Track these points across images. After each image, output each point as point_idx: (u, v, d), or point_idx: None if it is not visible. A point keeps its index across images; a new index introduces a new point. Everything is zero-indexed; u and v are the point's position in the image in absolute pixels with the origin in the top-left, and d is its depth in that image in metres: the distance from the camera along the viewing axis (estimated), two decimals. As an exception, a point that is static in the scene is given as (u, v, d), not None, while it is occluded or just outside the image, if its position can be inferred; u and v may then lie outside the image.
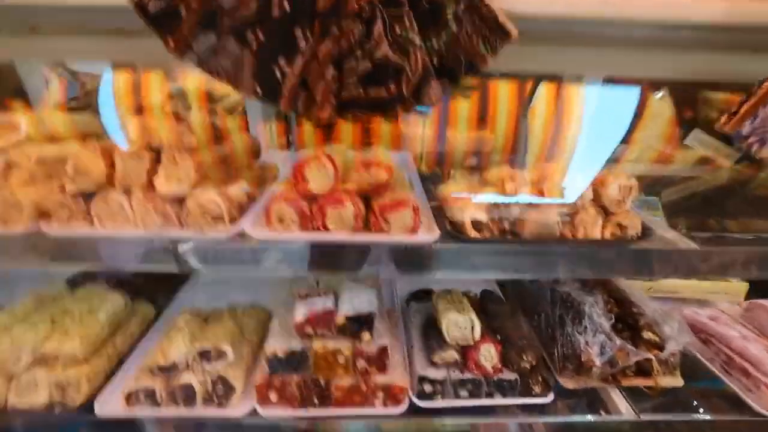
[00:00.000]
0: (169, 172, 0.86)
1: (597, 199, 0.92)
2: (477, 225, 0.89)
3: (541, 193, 0.90)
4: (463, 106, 1.68)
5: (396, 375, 1.15)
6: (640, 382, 1.23)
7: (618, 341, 1.19)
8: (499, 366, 1.15)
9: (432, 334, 1.22)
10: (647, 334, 1.22)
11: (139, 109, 1.04)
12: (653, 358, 1.18)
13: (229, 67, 0.74)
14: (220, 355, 1.14)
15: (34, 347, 1.14)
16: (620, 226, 0.92)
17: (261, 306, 1.43)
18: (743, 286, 1.55)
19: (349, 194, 0.89)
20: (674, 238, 1.00)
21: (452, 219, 0.92)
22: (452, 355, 1.15)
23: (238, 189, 0.93)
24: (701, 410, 1.20)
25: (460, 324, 1.14)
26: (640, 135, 1.48)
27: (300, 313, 1.10)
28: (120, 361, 1.26)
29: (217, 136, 1.02)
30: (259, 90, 0.77)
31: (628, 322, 1.28)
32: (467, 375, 1.16)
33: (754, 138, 0.79)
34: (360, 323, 1.10)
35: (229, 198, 0.90)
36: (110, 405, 1.12)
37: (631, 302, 1.32)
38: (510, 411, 1.18)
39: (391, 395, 1.13)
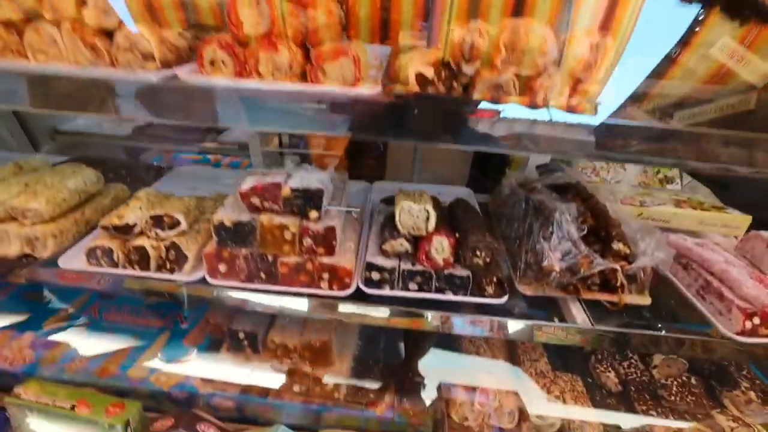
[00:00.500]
0: (97, 3, 0.82)
1: (563, 61, 0.81)
2: (422, 80, 0.80)
3: (498, 50, 0.79)
4: None
5: (344, 259, 1.13)
6: (603, 296, 1.17)
7: (584, 249, 1.12)
8: (451, 261, 1.11)
9: (387, 226, 1.18)
10: (617, 245, 1.13)
11: None
12: (618, 269, 1.10)
13: None
14: (174, 223, 1.16)
15: (3, 202, 1.19)
16: (587, 94, 0.81)
17: (225, 194, 1.43)
18: (744, 220, 1.40)
19: (284, 39, 0.81)
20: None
21: (398, 74, 0.84)
22: (402, 244, 1.12)
23: (174, 33, 0.88)
24: (656, 328, 1.13)
25: (413, 212, 1.10)
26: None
27: (247, 183, 1.08)
28: (87, 230, 1.31)
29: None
30: None
31: (601, 235, 1.19)
32: (418, 267, 1.12)
33: None
34: (306, 199, 1.07)
35: (162, 38, 0.84)
36: (73, 261, 1.17)
37: (609, 216, 1.22)
38: (461, 309, 1.15)
39: (338, 278, 1.12)
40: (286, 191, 1.05)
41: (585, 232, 1.19)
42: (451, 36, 0.77)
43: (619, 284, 1.13)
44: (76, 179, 1.33)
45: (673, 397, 1.29)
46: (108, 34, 0.84)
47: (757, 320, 1.06)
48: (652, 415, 1.29)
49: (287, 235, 1.09)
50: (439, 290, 1.14)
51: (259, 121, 0.84)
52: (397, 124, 0.82)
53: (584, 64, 0.81)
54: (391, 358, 1.49)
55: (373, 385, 1.39)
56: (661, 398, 1.32)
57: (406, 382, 1.45)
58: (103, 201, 1.40)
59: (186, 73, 0.84)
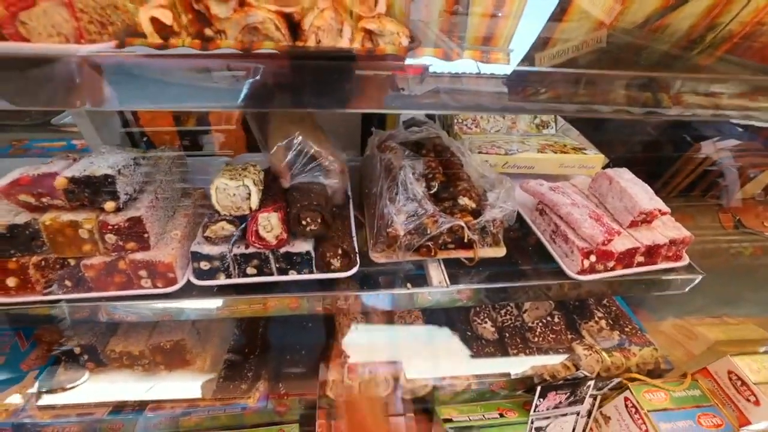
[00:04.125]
0: None
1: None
2: (161, 27, 0.64)
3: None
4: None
5: (164, 252, 0.98)
6: (459, 253, 1.13)
7: (429, 208, 1.06)
8: (285, 237, 1.00)
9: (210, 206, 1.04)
10: (463, 201, 1.09)
11: None
12: (464, 225, 1.06)
13: None
14: (-68, 236, 0.92)
15: None
16: (370, 34, 0.70)
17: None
18: (599, 159, 1.43)
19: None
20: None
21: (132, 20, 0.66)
22: (224, 227, 0.98)
23: None
24: (516, 279, 1.13)
25: (230, 191, 0.96)
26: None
27: (8, 177, 0.87)
28: None
29: None
30: None
31: (451, 191, 1.14)
32: (251, 249, 1.00)
33: None
34: (94, 189, 0.89)
35: None
36: None
37: (460, 170, 1.17)
38: (310, 287, 1.06)
39: (158, 274, 0.98)
40: (61, 182, 0.86)
41: (434, 189, 1.14)
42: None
43: (467, 240, 1.09)
44: None
45: (536, 338, 1.34)
46: None
47: (593, 258, 1.09)
48: (521, 357, 1.34)
49: (83, 234, 0.91)
50: (281, 271, 1.04)
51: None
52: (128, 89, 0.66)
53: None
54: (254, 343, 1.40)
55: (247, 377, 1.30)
56: (528, 340, 1.36)
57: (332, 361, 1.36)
58: None
59: None
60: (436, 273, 1.14)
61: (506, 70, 0.78)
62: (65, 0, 0.63)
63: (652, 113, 0.85)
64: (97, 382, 1.20)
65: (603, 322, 1.37)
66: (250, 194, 0.97)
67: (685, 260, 1.19)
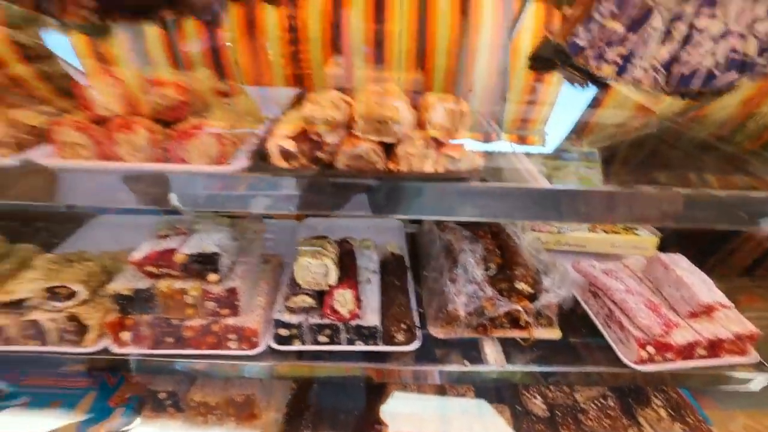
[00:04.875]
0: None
1: (422, 126, 0.82)
2: (286, 154, 0.80)
3: (354, 121, 0.80)
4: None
5: (252, 318, 1.12)
6: (513, 333, 1.19)
7: (488, 291, 1.14)
8: (357, 312, 1.11)
9: (291, 281, 1.17)
10: (520, 285, 1.16)
11: None
12: (521, 309, 1.13)
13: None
14: (71, 294, 1.12)
15: None
16: (451, 159, 0.82)
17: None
18: (652, 241, 1.45)
19: (141, 118, 0.80)
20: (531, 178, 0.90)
21: (265, 149, 0.83)
22: (305, 299, 1.11)
23: (35, 114, 0.85)
24: (571, 362, 1.16)
25: (312, 268, 1.09)
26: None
27: (140, 251, 1.05)
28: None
29: (29, 56, 0.92)
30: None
31: (507, 273, 1.22)
32: (325, 320, 1.12)
33: (591, 51, 0.66)
34: (204, 263, 1.05)
35: (17, 123, 0.82)
36: (-34, 340, 1.12)
37: (516, 253, 1.25)
38: (375, 358, 1.15)
39: (244, 338, 1.11)
40: (180, 257, 1.03)
41: (492, 272, 1.22)
42: (308, 109, 0.77)
43: (524, 323, 1.15)
44: (-26, 247, 1.27)
45: (590, 422, 1.33)
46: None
47: (651, 349, 1.10)
48: (574, 440, 1.32)
49: (188, 300, 1.07)
50: (349, 342, 1.14)
51: (121, 201, 0.82)
52: (264, 197, 0.82)
53: (443, 129, 0.82)
54: (327, 404, 1.48)
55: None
56: (581, 423, 1.35)
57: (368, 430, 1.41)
58: (6, 266, 1.34)
59: (39, 156, 0.82)
60: (491, 350, 1.19)
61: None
62: (216, 134, 0.81)
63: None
64: (176, 428, 1.32)
65: (662, 411, 1.33)
66: (327, 272, 1.10)
67: (753, 356, 1.16)
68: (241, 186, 0.80)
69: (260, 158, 0.83)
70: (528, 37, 1.63)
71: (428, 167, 0.82)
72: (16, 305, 1.10)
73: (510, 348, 1.20)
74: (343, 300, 1.10)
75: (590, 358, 1.19)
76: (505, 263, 1.23)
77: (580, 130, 1.60)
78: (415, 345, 1.15)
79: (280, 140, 0.79)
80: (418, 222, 1.71)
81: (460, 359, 1.18)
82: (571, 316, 1.32)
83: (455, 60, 1.72)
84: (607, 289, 1.22)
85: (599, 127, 1.68)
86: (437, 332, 1.19)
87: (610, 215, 0.90)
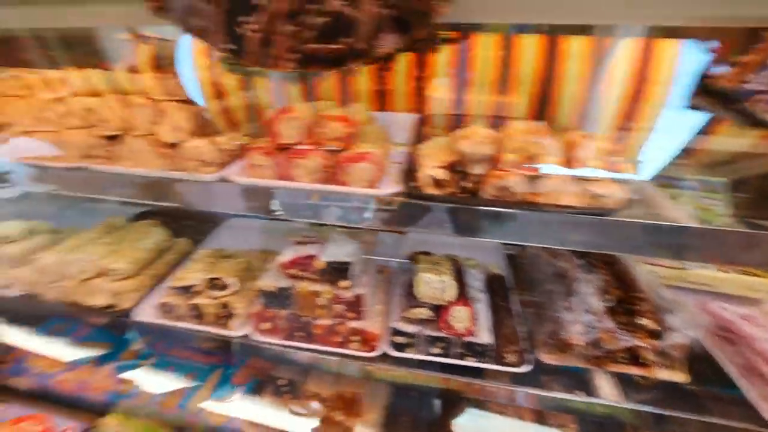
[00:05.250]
0: (168, 122, 1.01)
1: (569, 163, 0.86)
2: (438, 183, 0.89)
3: (506, 152, 0.86)
4: (485, 67, 1.59)
5: (372, 323, 1.23)
6: (633, 370, 1.15)
7: (608, 324, 1.12)
8: (472, 329, 1.16)
9: (411, 292, 1.27)
10: (644, 321, 1.12)
11: (149, 68, 1.19)
12: (646, 346, 1.09)
13: (203, 25, 0.83)
14: (226, 285, 1.33)
15: (96, 262, 1.44)
16: (596, 195, 0.85)
17: (276, 252, 1.59)
18: (801, 288, 1.30)
19: (314, 147, 0.95)
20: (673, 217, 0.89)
21: (416, 175, 0.94)
22: (423, 312, 1.19)
23: (229, 140, 1.05)
24: (694, 410, 1.09)
25: (432, 284, 1.17)
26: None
27: (286, 255, 1.22)
28: (158, 283, 1.53)
29: (218, 92, 1.14)
30: (230, 46, 0.85)
31: (627, 307, 1.18)
32: (439, 333, 1.19)
33: (761, 95, 0.64)
34: (338, 270, 1.19)
35: (219, 147, 1.02)
36: (144, 313, 1.39)
37: (637, 287, 1.21)
38: (482, 375, 1.19)
39: (365, 341, 1.22)
40: (320, 264, 1.18)
41: (610, 304, 1.19)
42: (464, 145, 0.86)
43: (646, 361, 1.11)
44: (151, 240, 1.57)
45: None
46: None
47: (805, 411, 0.99)
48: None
49: (320, 301, 1.22)
50: (460, 356, 1.20)
51: (294, 213, 0.98)
52: (415, 218, 0.92)
53: (593, 164, 0.85)
54: (425, 413, 1.55)
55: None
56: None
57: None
58: (171, 256, 1.63)
59: (234, 174, 1.01)
60: (604, 383, 1.17)
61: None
62: (376, 162, 0.93)
63: None
64: (288, 412, 1.49)
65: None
66: (445, 288, 1.17)
67: None
68: (392, 208, 0.91)
69: (409, 184, 0.94)
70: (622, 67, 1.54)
71: (567, 200, 0.86)
72: (186, 290, 1.34)
73: (622, 385, 1.16)
74: (459, 316, 1.16)
75: (717, 409, 1.11)
76: (625, 296, 1.20)
77: (691, 158, 1.49)
78: (526, 368, 1.17)
79: (432, 170, 0.89)
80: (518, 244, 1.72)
81: (565, 388, 1.18)
82: (694, 360, 1.23)
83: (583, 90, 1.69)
84: (745, 335, 1.13)
85: (719, 155, 1.54)
86: (547, 358, 1.20)
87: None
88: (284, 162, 0.96)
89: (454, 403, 1.60)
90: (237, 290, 1.34)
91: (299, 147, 0.96)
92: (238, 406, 1.58)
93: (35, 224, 1.66)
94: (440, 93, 1.74)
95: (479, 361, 1.18)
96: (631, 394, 1.14)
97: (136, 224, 1.74)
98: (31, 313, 1.83)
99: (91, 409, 1.66)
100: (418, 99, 1.70)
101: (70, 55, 1.93)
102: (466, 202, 0.86)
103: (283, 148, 0.97)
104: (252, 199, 0.98)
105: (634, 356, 1.14)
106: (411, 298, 1.24)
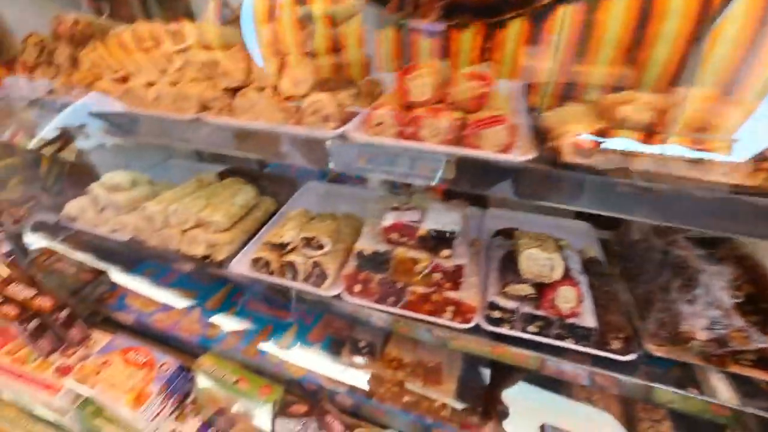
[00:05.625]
0: (291, 76, 1.00)
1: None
2: (582, 151, 0.82)
3: (663, 125, 0.77)
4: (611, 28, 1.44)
5: (468, 295, 1.21)
6: (758, 374, 1.05)
7: (739, 322, 1.03)
8: (578, 311, 1.11)
9: (510, 267, 1.22)
10: (783, 321, 1.01)
11: (270, 22, 1.17)
12: (784, 349, 0.99)
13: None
14: (320, 245, 1.35)
15: (195, 214, 1.51)
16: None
17: (356, 216, 1.60)
18: None
19: (445, 106, 0.90)
20: None
21: (553, 143, 0.87)
22: (526, 288, 1.15)
23: (347, 96, 1.03)
24: None
25: (539, 261, 1.12)
26: None
27: (388, 220, 1.21)
28: (248, 238, 1.59)
29: (336, 47, 1.11)
30: (372, -8, 0.81)
31: (761, 306, 1.07)
32: (540, 312, 1.15)
33: None
34: (440, 239, 1.16)
35: (339, 103, 1.00)
36: (240, 266, 1.45)
37: (772, 284, 1.09)
38: (580, 359, 1.15)
39: (460, 312, 1.21)
40: (423, 231, 1.16)
41: (740, 300, 1.09)
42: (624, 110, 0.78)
43: (779, 364, 1.01)
44: (242, 196, 1.63)
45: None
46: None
47: None
48: None
49: (418, 268, 1.21)
50: (558, 337, 1.15)
51: (413, 175, 0.95)
52: (547, 188, 0.86)
53: None
54: (475, 381, 1.54)
55: (475, 409, 1.46)
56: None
57: (490, 408, 1.48)
58: (258, 213, 1.68)
59: (353, 131, 0.99)
60: (719, 383, 1.08)
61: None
62: (510, 126, 0.87)
63: None
64: (365, 372, 1.53)
65: None
66: (553, 267, 1.12)
67: None
68: (526, 176, 0.86)
69: (545, 152, 0.87)
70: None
71: (743, 180, 0.76)
72: (281, 247, 1.38)
73: (737, 383, 1.07)
74: (566, 297, 1.11)
75: None
76: (758, 293, 1.09)
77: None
78: (632, 356, 1.11)
79: (576, 138, 0.81)
80: (614, 228, 1.61)
81: (673, 382, 1.11)
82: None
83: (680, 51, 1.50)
84: None
85: None
86: (656, 350, 1.12)
87: None
88: (411, 121, 0.92)
89: (510, 374, 1.58)
90: (329, 251, 1.36)
91: (430, 105, 0.91)
92: (315, 360, 1.65)
93: (136, 175, 1.77)
94: (543, 61, 1.61)
95: (581, 345, 1.13)
96: (749, 398, 1.06)
97: (223, 181, 1.80)
98: (132, 256, 2.00)
99: (182, 348, 1.80)
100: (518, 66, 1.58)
101: (163, 12, 1.98)
102: (626, 174, 0.79)
103: (411, 107, 0.93)
104: (373, 160, 0.96)
105: (762, 359, 1.04)
106: (510, 273, 1.19)
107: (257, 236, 1.58)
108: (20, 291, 1.56)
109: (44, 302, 1.54)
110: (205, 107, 1.16)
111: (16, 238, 1.64)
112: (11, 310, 1.48)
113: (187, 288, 2.03)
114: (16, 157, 1.69)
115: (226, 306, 1.93)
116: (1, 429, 1.74)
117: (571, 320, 1.12)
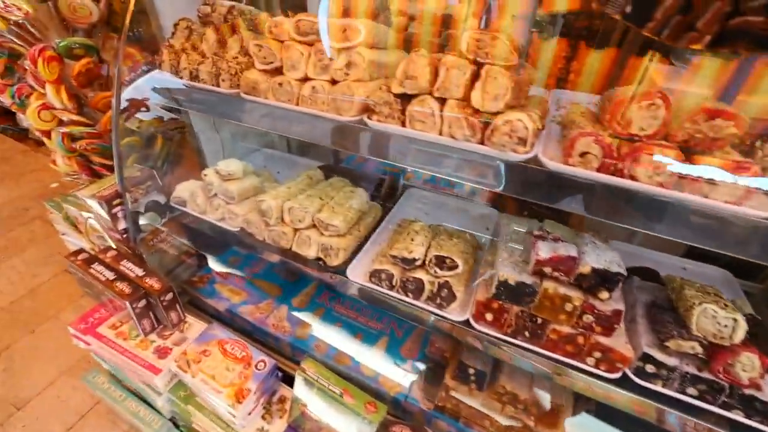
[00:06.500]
0: (487, 88, 0.93)
1: None
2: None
3: None
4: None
5: (618, 343, 1.11)
6: None
7: None
8: (759, 382, 1.00)
9: (668, 317, 1.12)
10: None
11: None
12: None
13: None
14: (453, 265, 1.28)
15: (313, 214, 1.47)
16: None
17: (470, 234, 1.52)
18: None
19: (671, 144, 0.81)
20: None
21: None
22: (694, 346, 1.04)
23: (538, 116, 0.95)
24: None
25: (719, 319, 1.01)
26: None
27: (543, 252, 1.13)
28: (359, 244, 1.54)
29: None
30: (628, 9, 0.73)
31: None
32: (706, 375, 1.04)
33: None
34: (602, 280, 1.07)
35: (534, 122, 0.92)
36: (357, 274, 1.40)
37: None
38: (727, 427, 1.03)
39: (608, 360, 1.11)
40: (586, 269, 1.07)
41: None
42: None
43: None
44: (357, 201, 1.58)
45: None
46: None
47: None
48: None
49: (567, 307, 1.12)
50: (726, 406, 1.04)
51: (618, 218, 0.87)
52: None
53: None
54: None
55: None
56: None
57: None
58: (368, 219, 1.63)
59: (549, 159, 0.91)
60: None
61: None
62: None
63: None
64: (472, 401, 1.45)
65: None
66: (735, 328, 1.01)
67: None
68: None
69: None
70: None
71: None
72: (408, 262, 1.31)
73: None
74: (747, 364, 0.99)
75: None
76: None
77: None
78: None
79: None
80: (752, 277, 1.47)
81: None
82: None
83: None
84: None
85: None
86: (841, 437, 1.00)
87: None
88: (626, 155, 0.84)
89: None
90: (460, 272, 1.29)
91: (652, 141, 0.82)
92: (409, 378, 1.59)
93: (246, 165, 1.75)
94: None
95: (757, 420, 1.02)
96: None
97: (330, 181, 1.76)
98: (220, 243, 1.99)
99: (264, 342, 1.77)
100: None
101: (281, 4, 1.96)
102: None
103: (629, 139, 0.85)
104: (567, 192, 0.88)
105: None
106: (670, 326, 1.09)
107: (369, 243, 1.53)
108: (131, 269, 1.56)
109: (154, 283, 1.53)
110: (368, 110, 1.11)
111: (134, 215, 1.65)
112: (125, 288, 1.48)
113: (272, 281, 2.02)
114: (136, 136, 1.70)
115: (312, 306, 1.90)
116: (98, 397, 1.77)
117: (749, 391, 1.01)
